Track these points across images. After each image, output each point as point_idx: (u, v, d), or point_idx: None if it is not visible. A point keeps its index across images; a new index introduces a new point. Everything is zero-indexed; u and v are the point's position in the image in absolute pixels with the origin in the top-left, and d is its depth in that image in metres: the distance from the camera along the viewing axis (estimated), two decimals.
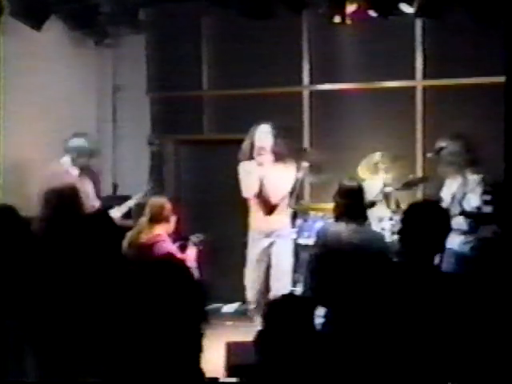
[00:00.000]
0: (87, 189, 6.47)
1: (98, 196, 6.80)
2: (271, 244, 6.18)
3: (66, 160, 6.50)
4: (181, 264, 3.27)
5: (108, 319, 3.49)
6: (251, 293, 6.26)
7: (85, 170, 6.56)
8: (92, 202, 6.44)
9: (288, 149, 6.27)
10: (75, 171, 6.47)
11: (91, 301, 3.54)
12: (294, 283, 6.72)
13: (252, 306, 6.34)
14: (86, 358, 3.49)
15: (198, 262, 5.55)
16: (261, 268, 6.20)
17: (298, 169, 6.36)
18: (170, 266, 3.18)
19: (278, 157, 6.18)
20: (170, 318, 2.91)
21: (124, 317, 3.42)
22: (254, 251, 6.22)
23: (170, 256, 4.63)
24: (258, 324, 6.21)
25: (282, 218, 6.24)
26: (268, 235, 6.17)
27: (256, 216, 6.24)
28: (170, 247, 5.47)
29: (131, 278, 3.70)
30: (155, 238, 5.46)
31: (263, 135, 6.16)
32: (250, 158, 6.20)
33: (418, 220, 3.39)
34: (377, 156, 6.84)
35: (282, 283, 6.15)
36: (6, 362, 3.80)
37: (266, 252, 6.19)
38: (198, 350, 2.94)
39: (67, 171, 6.43)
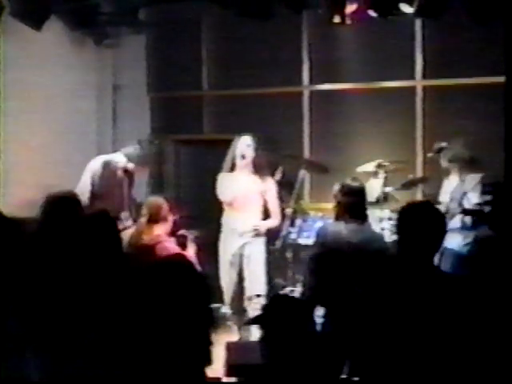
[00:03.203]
0: (125, 194, 6.50)
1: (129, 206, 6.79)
2: (244, 245, 6.18)
3: (121, 157, 6.57)
4: (188, 263, 3.27)
5: (110, 319, 3.49)
6: (227, 297, 6.26)
7: (128, 175, 6.63)
8: (124, 210, 6.44)
9: (267, 160, 6.37)
10: (122, 171, 6.54)
11: (93, 301, 3.54)
12: (294, 283, 6.73)
13: (229, 312, 6.33)
14: (88, 359, 3.50)
15: (197, 258, 5.56)
16: (234, 270, 6.19)
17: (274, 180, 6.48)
18: (177, 265, 3.17)
19: (258, 168, 6.24)
20: (177, 317, 2.91)
21: (126, 316, 3.42)
22: (226, 252, 6.20)
23: (176, 255, 4.63)
24: (235, 333, 6.24)
25: (255, 219, 6.25)
26: (241, 235, 6.18)
27: (230, 216, 6.25)
28: (172, 247, 5.47)
29: (135, 277, 3.71)
30: (156, 239, 5.45)
31: (244, 147, 6.21)
32: (232, 169, 6.26)
33: (412, 221, 3.38)
34: (376, 163, 6.84)
35: (256, 285, 6.13)
36: (6, 363, 3.80)
37: (239, 254, 6.18)
38: (205, 353, 2.94)
39: (117, 168, 6.50)
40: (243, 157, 6.21)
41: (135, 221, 6.11)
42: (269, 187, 6.31)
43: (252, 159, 6.24)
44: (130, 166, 6.57)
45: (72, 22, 7.03)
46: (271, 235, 6.60)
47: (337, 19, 6.70)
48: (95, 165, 6.47)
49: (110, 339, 3.45)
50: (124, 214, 6.43)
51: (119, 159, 6.57)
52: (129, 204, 6.64)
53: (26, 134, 6.83)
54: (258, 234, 6.19)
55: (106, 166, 6.47)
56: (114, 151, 6.99)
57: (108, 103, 8.29)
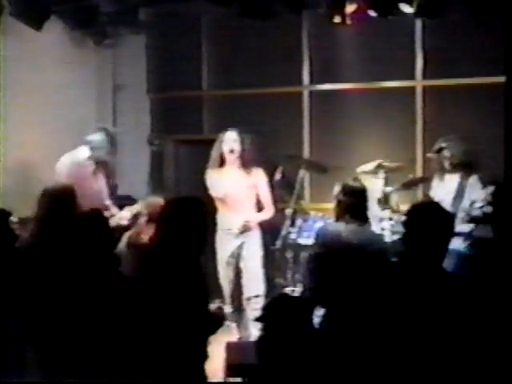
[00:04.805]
0: (101, 186, 6.38)
1: (112, 194, 6.66)
2: (241, 245, 6.15)
3: (84, 151, 6.30)
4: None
5: (105, 318, 3.50)
6: (226, 296, 6.23)
7: (101, 166, 6.37)
8: (104, 201, 6.35)
9: (255, 154, 6.24)
10: (91, 165, 6.29)
11: (88, 301, 3.54)
12: (294, 283, 6.73)
13: (229, 311, 6.30)
14: (86, 358, 3.50)
15: None
16: (231, 270, 6.16)
17: (267, 174, 6.36)
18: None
19: (246, 162, 6.17)
20: (172, 316, 2.91)
21: (120, 317, 3.42)
22: (223, 253, 6.15)
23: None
24: (235, 333, 6.22)
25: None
26: (237, 236, 6.15)
27: (224, 215, 6.21)
28: None
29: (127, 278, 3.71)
30: None
31: (231, 142, 6.16)
32: (219, 165, 6.18)
33: (421, 221, 3.37)
34: (376, 163, 6.83)
35: (255, 285, 6.11)
36: (6, 363, 3.80)
37: (236, 253, 6.15)
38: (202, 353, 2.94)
39: (83, 163, 6.25)
40: (232, 151, 6.16)
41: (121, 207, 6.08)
42: (259, 179, 6.24)
43: (239, 154, 6.19)
44: (99, 157, 6.31)
45: (72, 22, 7.03)
46: (271, 234, 6.58)
47: (337, 19, 6.70)
48: (60, 166, 6.28)
49: (107, 335, 3.45)
50: (107, 204, 6.33)
51: (83, 154, 6.38)
52: (110, 192, 6.53)
53: (26, 133, 6.83)
54: (248, 230, 6.14)
55: (72, 164, 6.28)
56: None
57: (108, 103, 8.29)
